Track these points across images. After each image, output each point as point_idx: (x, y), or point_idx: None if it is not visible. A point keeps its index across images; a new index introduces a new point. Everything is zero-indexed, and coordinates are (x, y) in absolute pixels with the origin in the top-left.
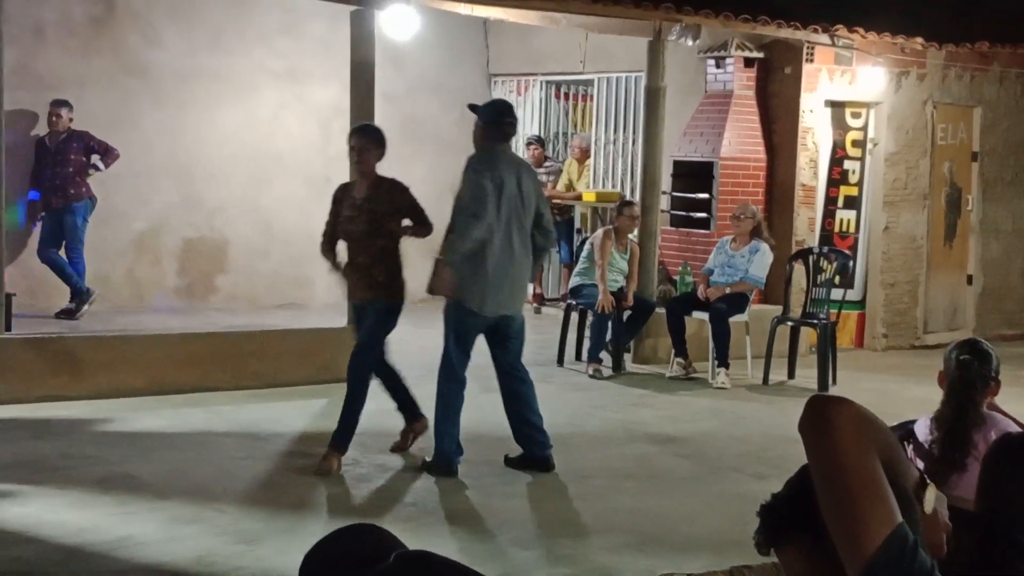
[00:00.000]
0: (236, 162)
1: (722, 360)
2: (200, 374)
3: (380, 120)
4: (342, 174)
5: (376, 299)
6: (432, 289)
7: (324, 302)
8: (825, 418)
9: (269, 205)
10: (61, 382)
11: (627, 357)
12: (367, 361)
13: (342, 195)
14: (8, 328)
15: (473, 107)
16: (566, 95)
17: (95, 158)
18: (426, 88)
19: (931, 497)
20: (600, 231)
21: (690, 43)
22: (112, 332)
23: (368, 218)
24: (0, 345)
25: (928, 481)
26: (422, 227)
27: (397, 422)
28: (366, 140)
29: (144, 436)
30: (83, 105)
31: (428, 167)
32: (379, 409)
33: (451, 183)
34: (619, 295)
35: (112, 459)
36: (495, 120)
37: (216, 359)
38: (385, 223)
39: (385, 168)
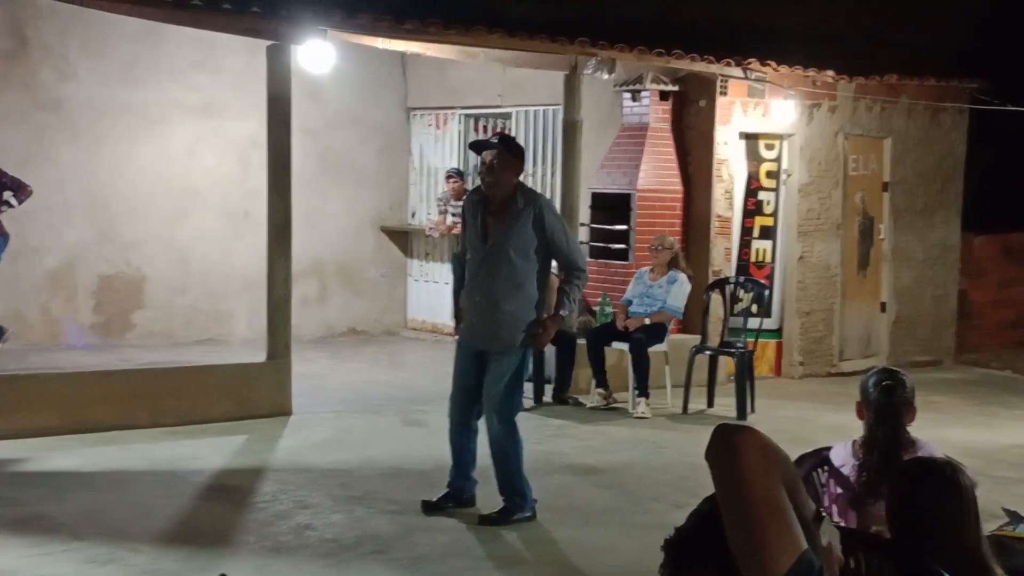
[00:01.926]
0: (152, 197)
1: (642, 390)
2: (117, 412)
3: (298, 154)
4: (260, 208)
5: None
6: (542, 343)
7: (242, 337)
8: (731, 446)
9: (186, 240)
10: None
11: (548, 388)
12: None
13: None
14: None
15: (501, 143)
16: (484, 128)
17: (7, 194)
18: (344, 121)
19: (827, 530)
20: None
21: (606, 76)
22: (27, 370)
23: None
24: None
25: (823, 514)
26: None
27: (315, 457)
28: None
29: (60, 476)
30: None
31: (346, 200)
32: (301, 445)
33: (370, 216)
34: None
35: (26, 500)
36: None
37: (133, 396)
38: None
39: (303, 202)
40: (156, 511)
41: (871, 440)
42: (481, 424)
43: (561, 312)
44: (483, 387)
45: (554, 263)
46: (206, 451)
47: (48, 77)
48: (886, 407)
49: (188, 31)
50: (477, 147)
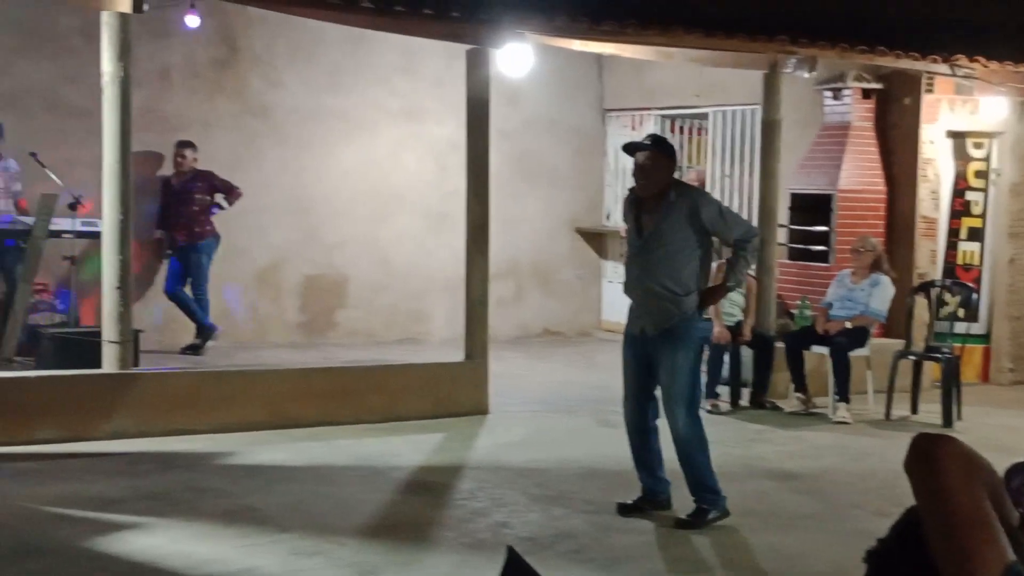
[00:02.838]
0: (355, 199)
1: (843, 395)
2: (320, 408)
3: (495, 156)
4: (459, 209)
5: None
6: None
7: (441, 337)
8: (931, 456)
9: (387, 241)
10: (186, 416)
11: (746, 392)
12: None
13: None
14: (136, 363)
15: (653, 143)
16: (680, 129)
17: (219, 197)
18: (541, 123)
19: None
20: (714, 265)
21: (806, 75)
22: (235, 367)
23: None
24: (129, 380)
25: None
26: None
27: (511, 456)
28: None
29: (266, 469)
30: (207, 145)
31: (542, 201)
32: (498, 443)
33: (565, 217)
34: (736, 329)
35: (235, 492)
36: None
37: (336, 393)
38: None
39: (500, 204)
40: (359, 505)
41: None
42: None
43: (728, 284)
44: (658, 384)
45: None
46: (406, 448)
47: (257, 84)
48: None
49: (390, 37)
50: (630, 149)
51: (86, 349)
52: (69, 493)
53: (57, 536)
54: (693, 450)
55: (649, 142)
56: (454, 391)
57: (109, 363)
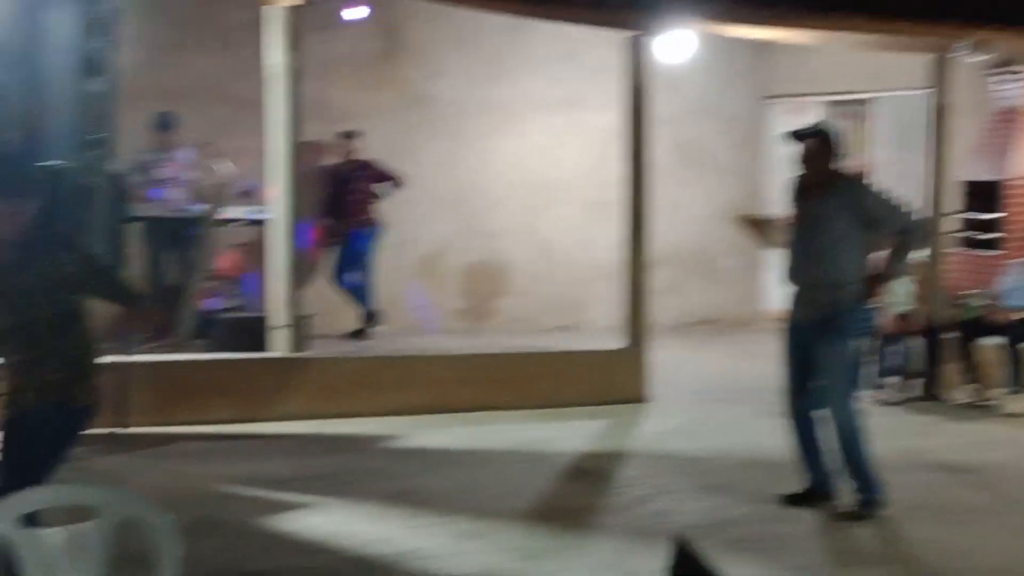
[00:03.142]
0: (514, 188)
1: (1020, 386)
2: (483, 393)
3: (656, 144)
4: (618, 198)
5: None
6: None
7: (600, 325)
8: None
9: (547, 230)
10: (352, 400)
11: (917, 383)
12: None
13: None
14: (305, 348)
15: (817, 131)
16: (844, 115)
17: (382, 186)
18: (701, 111)
19: None
20: (878, 254)
21: (977, 59)
22: (400, 353)
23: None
24: (298, 364)
25: None
26: None
27: (672, 444)
28: None
29: (431, 452)
30: (369, 135)
31: (702, 189)
32: (659, 431)
33: (725, 205)
34: (904, 319)
35: (400, 474)
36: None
37: (498, 379)
38: None
39: (659, 192)
40: (521, 490)
41: None
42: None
43: (891, 273)
44: (817, 373)
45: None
46: (567, 434)
47: (417, 75)
48: None
49: (550, 26)
50: (793, 136)
51: (257, 333)
52: (242, 472)
53: (231, 513)
54: (852, 440)
55: (812, 129)
56: (614, 379)
57: (279, 347)
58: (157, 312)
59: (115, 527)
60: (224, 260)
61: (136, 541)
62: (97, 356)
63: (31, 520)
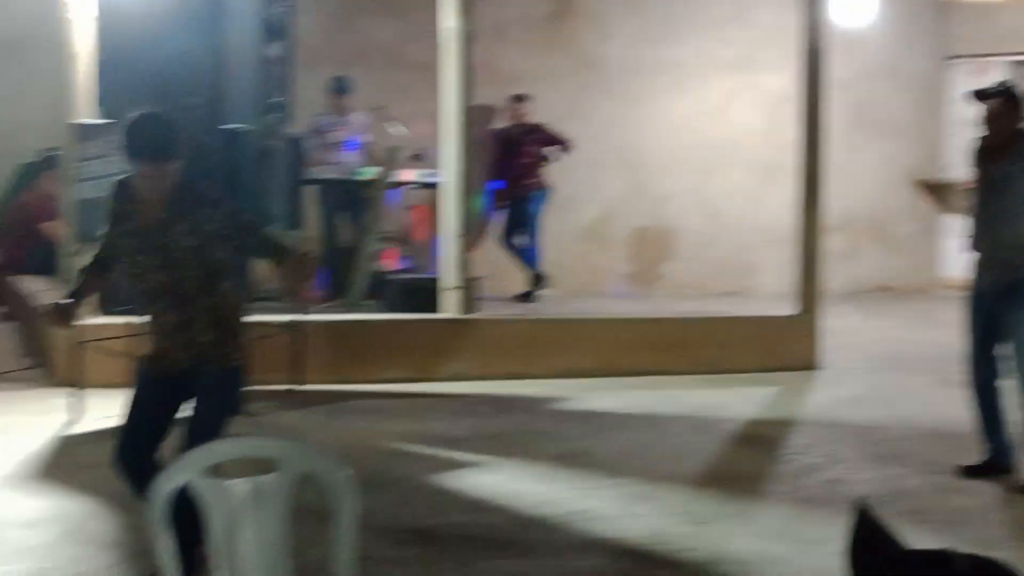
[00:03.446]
0: (684, 152)
1: None
2: (651, 358)
3: (831, 107)
4: (790, 161)
5: None
6: None
7: (769, 290)
8: None
9: (716, 193)
10: (521, 361)
11: None
12: None
13: None
14: (475, 309)
15: (1002, 91)
16: None
17: (551, 149)
18: (878, 72)
19: None
20: None
21: None
22: (567, 316)
23: None
24: (467, 325)
25: None
26: None
27: (845, 412)
28: None
29: (598, 415)
30: (540, 98)
31: (880, 155)
32: (831, 400)
33: (902, 169)
34: None
35: (569, 436)
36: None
37: (665, 344)
38: None
39: (833, 158)
40: (690, 455)
41: None
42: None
43: None
44: (1003, 341)
45: None
46: (736, 400)
47: (588, 38)
48: None
49: None
50: (977, 96)
51: (429, 294)
52: (413, 430)
53: (403, 470)
54: None
55: (996, 89)
56: (785, 345)
57: (449, 308)
58: (309, 263)
59: (295, 480)
60: (397, 222)
61: (312, 494)
62: (244, 316)
63: (213, 472)
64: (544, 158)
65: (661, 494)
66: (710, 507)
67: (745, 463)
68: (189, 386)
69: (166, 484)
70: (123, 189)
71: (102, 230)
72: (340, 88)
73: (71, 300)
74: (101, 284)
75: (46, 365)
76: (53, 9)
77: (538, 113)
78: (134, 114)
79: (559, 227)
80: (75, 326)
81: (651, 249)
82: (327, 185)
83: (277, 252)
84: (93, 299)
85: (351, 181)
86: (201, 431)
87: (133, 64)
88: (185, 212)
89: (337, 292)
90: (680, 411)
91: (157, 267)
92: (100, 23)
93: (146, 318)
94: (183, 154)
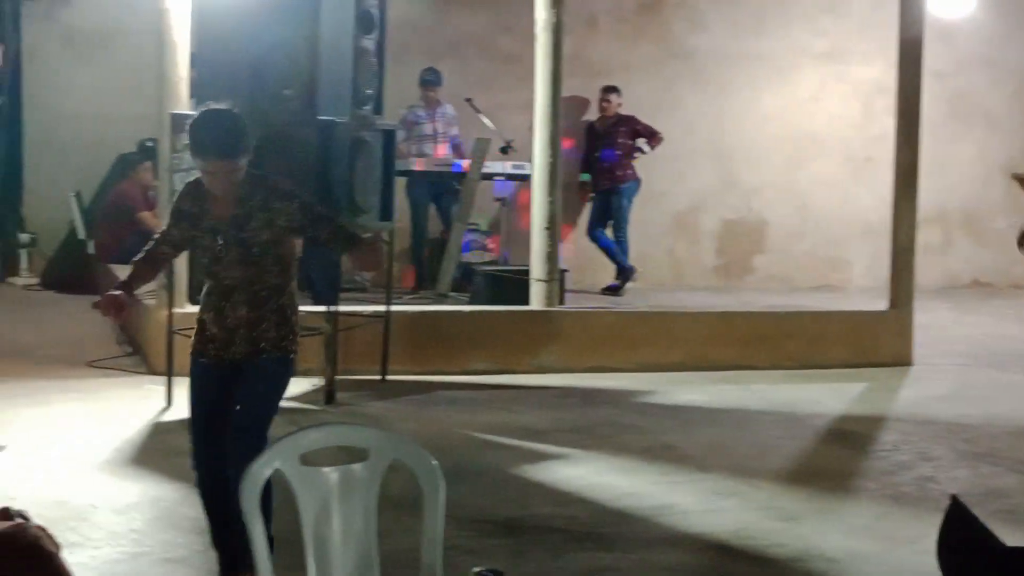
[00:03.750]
0: (774, 143)
1: None
2: (738, 352)
3: (926, 98)
4: (883, 153)
5: None
6: None
7: (859, 285)
8: None
9: (806, 186)
10: (607, 354)
11: None
12: None
13: None
14: (561, 302)
15: None
16: None
17: (640, 141)
18: (975, 64)
19: None
20: None
21: None
22: (654, 309)
23: None
24: (555, 317)
25: None
26: None
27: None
28: None
29: (684, 409)
30: (630, 90)
31: (975, 145)
32: (922, 396)
33: (1000, 162)
34: None
35: (655, 429)
36: None
37: (754, 338)
38: None
39: (928, 147)
40: (776, 450)
41: None
42: None
43: None
44: None
45: None
46: (825, 395)
47: (681, 29)
48: None
49: None
50: None
51: (516, 286)
52: (499, 422)
53: (489, 461)
54: None
55: None
56: (876, 340)
57: (537, 300)
58: (380, 250)
59: (384, 469)
60: (486, 214)
61: (397, 484)
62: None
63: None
64: (635, 150)
65: (747, 489)
66: (797, 503)
67: (834, 459)
68: (240, 373)
69: (259, 471)
70: (196, 188)
71: (165, 224)
72: (430, 80)
73: (119, 291)
74: (150, 276)
75: (140, 353)
76: (149, 0)
77: (628, 104)
78: (200, 111)
79: (647, 219)
80: (138, 314)
81: (740, 242)
82: (417, 177)
83: (350, 241)
84: (145, 287)
85: (441, 173)
86: (253, 417)
87: (228, 55)
88: (258, 207)
89: (425, 283)
90: (768, 406)
91: (234, 263)
92: (196, 14)
93: (211, 312)
94: (251, 149)
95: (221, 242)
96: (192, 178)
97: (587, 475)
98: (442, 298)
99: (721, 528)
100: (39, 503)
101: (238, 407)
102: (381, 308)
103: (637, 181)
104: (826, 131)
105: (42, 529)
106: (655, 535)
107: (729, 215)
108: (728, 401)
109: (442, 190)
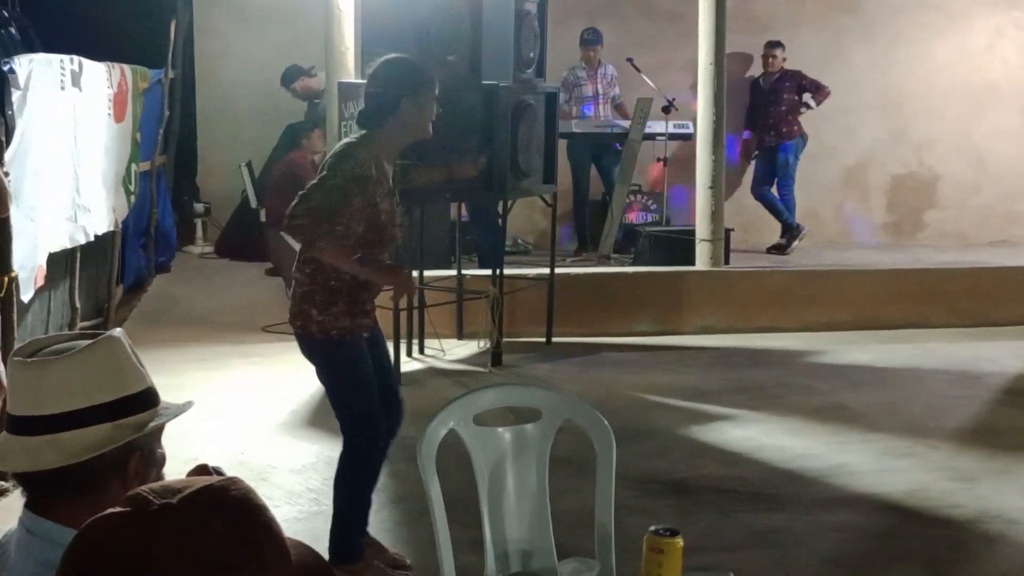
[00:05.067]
0: (947, 95)
1: None
2: (909, 310)
3: None
4: None
5: None
6: None
7: None
8: None
9: (981, 139)
10: (774, 314)
11: None
12: None
13: None
14: (727, 262)
15: None
16: None
17: (806, 96)
18: None
19: None
20: None
21: None
22: (822, 267)
23: None
24: (721, 277)
25: None
26: None
27: None
28: None
29: (854, 369)
30: (795, 45)
31: None
32: None
33: None
34: None
35: (824, 389)
36: None
37: (926, 295)
38: None
39: None
40: (952, 409)
41: None
42: None
43: None
44: None
45: None
46: (1003, 353)
47: None
48: None
49: None
50: None
51: (680, 246)
52: (665, 383)
53: (657, 421)
54: None
55: None
56: None
57: (702, 260)
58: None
59: (556, 429)
60: (649, 174)
61: (564, 445)
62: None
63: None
64: (801, 105)
65: (922, 449)
66: (975, 464)
67: (1011, 418)
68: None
69: (434, 431)
70: (368, 150)
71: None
72: (591, 39)
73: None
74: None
75: None
76: None
77: (793, 59)
78: (390, 58)
79: (814, 175)
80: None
81: (911, 197)
82: (579, 138)
83: None
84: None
85: (602, 134)
86: (394, 378)
87: (394, 23)
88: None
89: (589, 244)
90: (940, 365)
91: (398, 226)
92: None
93: (364, 290)
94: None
95: (393, 207)
96: (353, 139)
97: (756, 436)
98: (605, 260)
99: (895, 489)
100: (221, 463)
101: (382, 374)
102: (545, 271)
103: (803, 137)
104: (1004, 80)
105: None
106: (827, 496)
107: (899, 170)
108: (899, 360)
109: (604, 151)
